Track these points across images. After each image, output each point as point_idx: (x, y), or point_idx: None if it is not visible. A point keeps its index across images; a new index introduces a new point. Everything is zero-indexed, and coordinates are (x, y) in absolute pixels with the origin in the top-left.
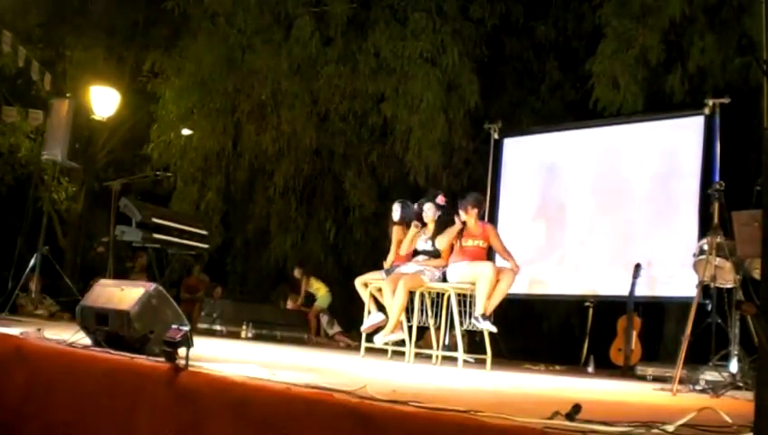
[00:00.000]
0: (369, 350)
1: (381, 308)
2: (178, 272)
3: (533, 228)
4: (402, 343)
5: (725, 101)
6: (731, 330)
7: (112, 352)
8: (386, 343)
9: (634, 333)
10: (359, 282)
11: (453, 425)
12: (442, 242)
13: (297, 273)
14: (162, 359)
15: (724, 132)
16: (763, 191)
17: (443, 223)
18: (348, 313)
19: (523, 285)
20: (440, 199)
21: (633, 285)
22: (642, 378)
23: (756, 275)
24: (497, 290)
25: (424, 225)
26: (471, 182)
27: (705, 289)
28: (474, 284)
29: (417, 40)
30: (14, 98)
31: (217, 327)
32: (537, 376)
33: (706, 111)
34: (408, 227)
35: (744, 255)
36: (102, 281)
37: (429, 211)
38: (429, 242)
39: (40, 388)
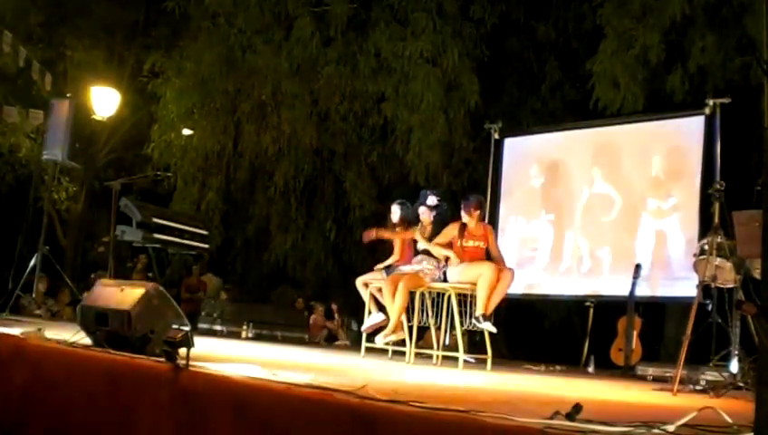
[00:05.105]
0: (369, 350)
1: (382, 308)
2: (178, 272)
3: (534, 228)
4: (403, 343)
5: (726, 100)
6: (731, 330)
7: (113, 352)
8: (386, 343)
9: (634, 334)
10: (359, 282)
11: (453, 425)
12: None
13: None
14: (163, 359)
15: (725, 132)
16: (763, 191)
17: (440, 222)
18: (349, 312)
19: (523, 286)
20: (431, 200)
21: (633, 285)
22: (642, 378)
23: (757, 274)
24: (497, 290)
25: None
26: (471, 182)
27: (705, 289)
28: (474, 284)
29: (418, 40)
30: (14, 98)
31: (218, 327)
32: (537, 376)
33: (707, 110)
34: (408, 227)
35: (745, 255)
36: (103, 281)
37: (424, 214)
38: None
39: (40, 388)
